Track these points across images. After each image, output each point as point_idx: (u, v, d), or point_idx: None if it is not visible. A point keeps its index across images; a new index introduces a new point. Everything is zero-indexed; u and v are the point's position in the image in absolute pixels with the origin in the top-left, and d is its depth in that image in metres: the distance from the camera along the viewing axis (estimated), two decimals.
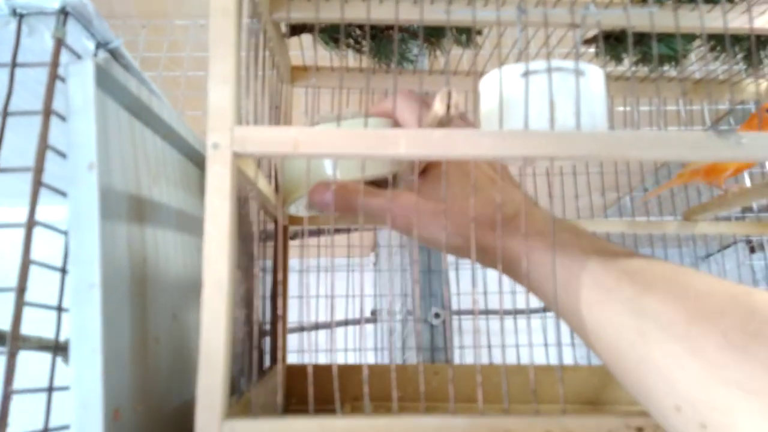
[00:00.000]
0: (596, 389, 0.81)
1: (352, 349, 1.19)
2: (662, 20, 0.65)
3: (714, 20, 0.66)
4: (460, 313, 1.05)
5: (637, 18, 0.65)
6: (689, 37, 0.74)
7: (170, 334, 0.52)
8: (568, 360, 0.97)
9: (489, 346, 0.83)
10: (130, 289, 0.43)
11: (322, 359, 1.26)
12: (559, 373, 0.56)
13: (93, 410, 0.36)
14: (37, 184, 0.38)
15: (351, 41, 0.78)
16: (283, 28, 0.74)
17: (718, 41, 0.75)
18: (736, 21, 0.65)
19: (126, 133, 0.46)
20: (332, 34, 0.74)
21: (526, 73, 0.45)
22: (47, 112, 0.39)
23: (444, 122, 0.44)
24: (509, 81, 0.46)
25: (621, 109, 0.87)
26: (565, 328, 0.46)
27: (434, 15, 0.65)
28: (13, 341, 0.35)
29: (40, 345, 0.39)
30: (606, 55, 0.78)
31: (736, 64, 0.83)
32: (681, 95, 0.86)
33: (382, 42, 0.78)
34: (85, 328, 0.37)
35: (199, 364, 0.40)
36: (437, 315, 0.93)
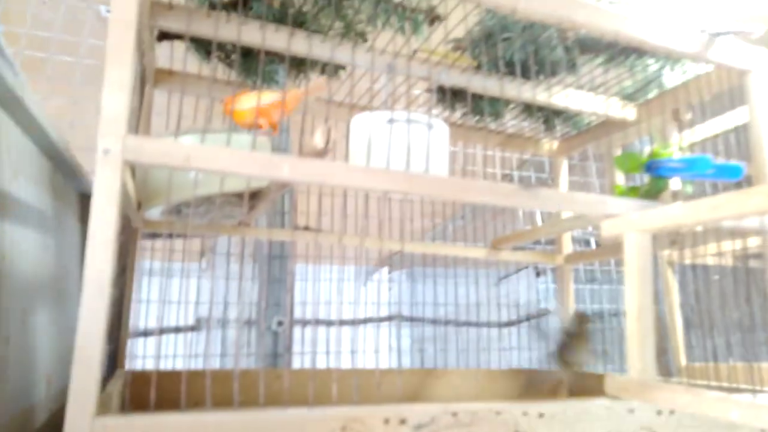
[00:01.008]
0: (416, 388, 0.93)
1: (180, 355, 1.16)
2: (491, 86, 0.81)
3: (526, 92, 0.83)
4: (304, 322, 1.11)
5: (474, 81, 0.79)
6: (508, 102, 0.92)
7: (20, 334, 0.50)
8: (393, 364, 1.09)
9: (327, 353, 0.91)
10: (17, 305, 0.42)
11: (149, 365, 1.21)
12: (397, 374, 0.66)
13: None
14: None
15: (222, 55, 0.81)
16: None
17: (528, 107, 0.94)
18: (541, 95, 0.84)
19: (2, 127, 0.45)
20: (206, 47, 0.77)
21: (391, 121, 0.54)
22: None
23: (321, 153, 0.52)
24: (376, 125, 0.55)
25: (452, 149, 1.03)
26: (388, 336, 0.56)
27: (299, 46, 0.71)
28: None
29: None
30: (444, 104, 0.92)
31: (537, 124, 1.04)
32: (498, 144, 1.05)
33: (251, 61, 0.82)
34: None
35: (73, 363, 0.41)
36: (280, 323, 0.98)
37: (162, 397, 0.55)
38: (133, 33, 0.46)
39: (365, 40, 0.77)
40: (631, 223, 0.55)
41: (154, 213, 0.76)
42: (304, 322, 1.14)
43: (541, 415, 0.55)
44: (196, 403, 0.81)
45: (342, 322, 1.07)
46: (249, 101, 0.64)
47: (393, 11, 0.68)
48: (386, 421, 0.48)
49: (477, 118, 0.99)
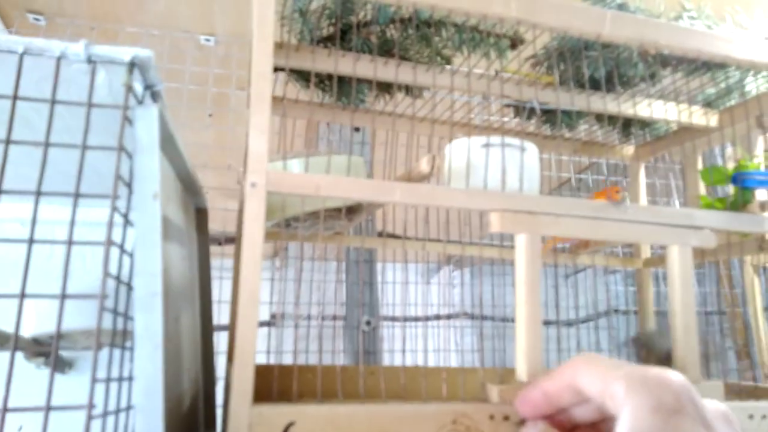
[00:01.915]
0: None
1: (261, 351, 1.26)
2: (577, 101, 0.85)
3: (610, 105, 0.87)
4: (392, 319, 1.19)
5: (562, 97, 0.84)
6: (581, 113, 0.95)
7: (174, 336, 0.60)
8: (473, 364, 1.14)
9: (413, 351, 0.98)
10: (169, 305, 0.52)
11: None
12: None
13: (155, 397, 0.45)
14: (113, 209, 0.46)
15: (318, 82, 0.90)
16: None
17: (599, 117, 0.97)
18: (624, 106, 0.87)
19: (163, 164, 0.55)
20: (305, 77, 0.85)
21: (487, 145, 0.60)
22: (120, 148, 0.47)
23: (426, 177, 0.58)
24: (473, 149, 0.61)
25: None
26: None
27: (386, 74, 0.78)
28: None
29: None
30: (520, 116, 0.97)
31: (612, 131, 1.06)
32: (573, 152, 1.08)
33: (344, 86, 0.90)
34: (150, 329, 0.46)
35: (234, 359, 0.49)
36: (368, 322, 1.06)
37: (261, 388, 0.64)
38: (270, 84, 0.54)
39: (450, 64, 0.83)
40: (519, 223, 0.58)
41: (267, 225, 0.86)
42: (393, 319, 1.22)
43: None
44: (300, 394, 0.90)
45: (406, 319, 1.14)
46: None
47: (480, 40, 0.74)
48: (491, 417, 0.55)
49: (551, 126, 1.02)
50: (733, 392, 0.81)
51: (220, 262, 1.20)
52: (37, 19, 1.13)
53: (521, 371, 0.57)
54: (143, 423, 0.45)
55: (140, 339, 0.46)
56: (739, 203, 0.68)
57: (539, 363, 0.58)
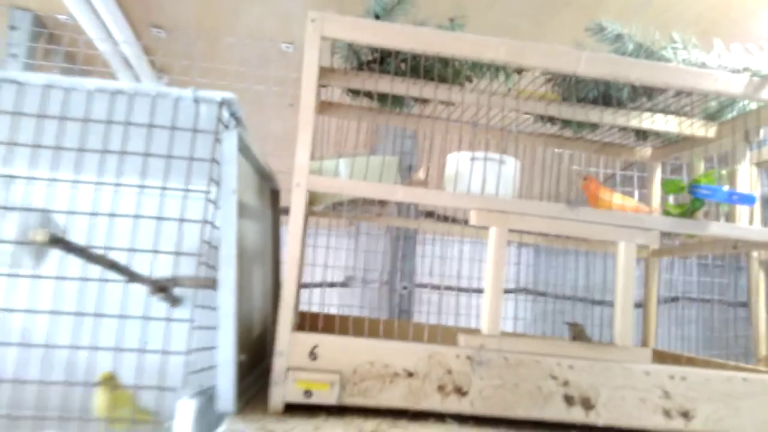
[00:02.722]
0: None
1: (336, 305, 1.55)
2: (578, 113, 1.00)
3: (607, 118, 1.01)
4: (423, 286, 1.42)
5: (562, 111, 1.00)
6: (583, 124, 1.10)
7: (248, 285, 0.87)
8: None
9: (460, 315, 1.20)
10: (239, 261, 0.77)
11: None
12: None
13: (230, 321, 0.71)
14: (207, 199, 0.72)
15: (363, 94, 1.11)
16: None
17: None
18: (622, 119, 1.01)
19: (241, 164, 0.80)
20: (354, 90, 1.07)
21: (472, 159, 0.80)
22: (212, 159, 0.73)
23: (423, 183, 0.79)
24: (462, 161, 0.81)
25: (558, 150, 1.23)
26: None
27: (425, 92, 0.98)
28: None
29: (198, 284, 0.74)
30: (542, 122, 1.13)
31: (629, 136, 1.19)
32: (594, 152, 1.23)
33: (385, 97, 1.11)
34: (227, 277, 0.72)
35: (281, 303, 0.74)
36: (405, 287, 1.29)
37: (310, 327, 0.89)
38: (314, 111, 0.77)
39: (471, 81, 1.01)
40: (490, 219, 0.75)
41: (319, 207, 1.11)
42: (432, 286, 1.45)
43: (570, 367, 0.78)
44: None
45: (460, 290, 1.36)
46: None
47: (488, 67, 0.92)
48: (457, 356, 0.76)
49: (573, 130, 1.17)
50: (659, 358, 0.96)
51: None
52: (158, 32, 1.43)
53: (484, 327, 0.78)
54: (223, 337, 0.71)
55: (222, 282, 0.72)
56: (690, 210, 0.82)
57: (497, 323, 0.78)
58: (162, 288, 0.93)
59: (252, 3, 1.30)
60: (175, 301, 1.00)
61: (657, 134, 1.16)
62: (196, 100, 0.74)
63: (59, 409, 0.90)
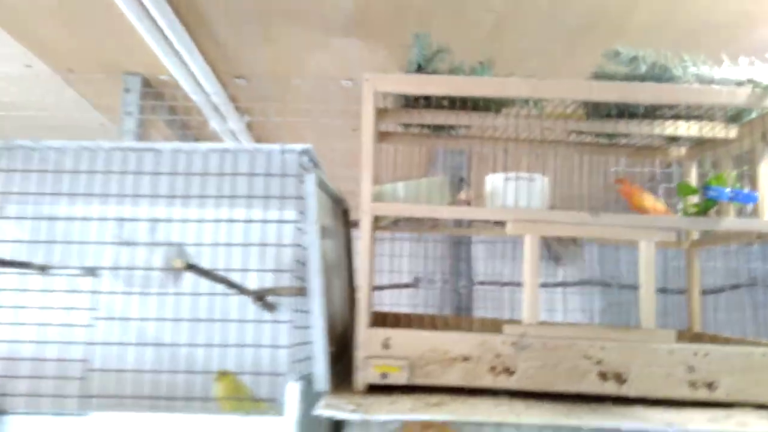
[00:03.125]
0: None
1: (405, 305, 1.73)
2: (606, 127, 1.14)
3: (633, 128, 1.13)
4: (480, 284, 1.58)
5: (590, 126, 1.14)
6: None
7: (329, 292, 1.07)
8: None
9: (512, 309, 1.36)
10: (324, 273, 0.98)
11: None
12: None
13: (321, 321, 0.92)
14: (296, 228, 0.93)
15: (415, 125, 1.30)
16: None
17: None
18: (646, 129, 1.13)
19: (319, 196, 1.01)
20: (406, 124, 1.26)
21: (506, 179, 0.96)
22: (299, 197, 0.94)
23: (467, 202, 0.97)
24: (498, 180, 0.98)
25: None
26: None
27: (464, 120, 1.15)
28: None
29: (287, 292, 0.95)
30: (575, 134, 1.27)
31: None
32: (629, 156, 1.34)
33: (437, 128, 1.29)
34: (316, 287, 0.93)
35: (358, 304, 0.94)
36: (464, 286, 1.47)
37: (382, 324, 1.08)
38: (373, 150, 0.96)
39: (504, 108, 1.17)
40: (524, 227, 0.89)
41: (384, 223, 1.30)
42: (488, 283, 1.62)
43: (602, 348, 0.92)
44: None
45: (506, 285, 1.52)
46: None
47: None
48: (503, 343, 0.93)
49: (606, 139, 1.30)
50: (684, 338, 1.07)
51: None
52: (240, 81, 1.69)
53: (525, 318, 0.95)
54: (316, 333, 0.92)
55: (312, 291, 0.93)
56: (704, 209, 0.94)
57: (537, 314, 0.94)
58: (260, 297, 1.16)
59: (316, 50, 1.53)
60: (270, 308, 1.23)
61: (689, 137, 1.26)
62: (283, 152, 0.95)
63: (184, 394, 1.14)
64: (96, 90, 1.78)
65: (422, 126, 1.31)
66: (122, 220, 0.95)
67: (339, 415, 0.81)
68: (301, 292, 0.96)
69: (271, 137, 2.03)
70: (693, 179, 1.34)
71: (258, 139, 2.05)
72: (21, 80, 1.69)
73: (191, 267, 0.94)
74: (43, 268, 0.88)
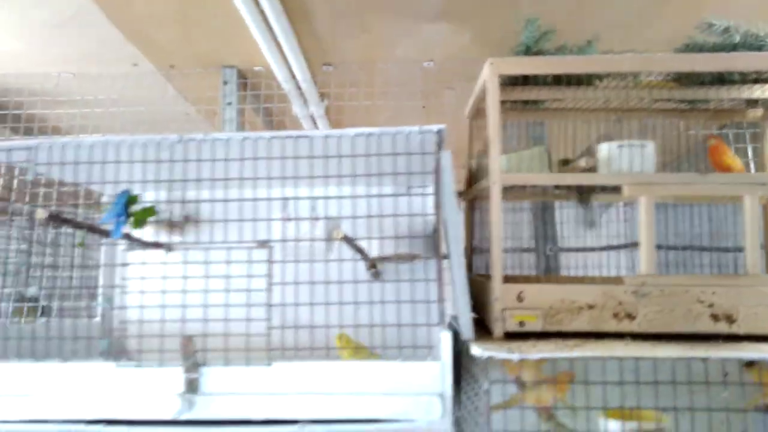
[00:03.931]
0: None
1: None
2: (694, 94, 1.23)
3: (723, 94, 1.23)
4: (564, 250, 1.71)
5: (677, 94, 1.24)
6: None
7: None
8: None
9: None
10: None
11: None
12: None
13: (462, 276, 1.06)
14: (435, 197, 1.06)
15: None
16: None
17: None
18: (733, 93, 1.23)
19: None
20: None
21: (620, 146, 1.08)
22: (436, 171, 1.06)
23: (584, 169, 1.09)
24: (614, 148, 1.09)
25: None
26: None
27: (563, 95, 1.26)
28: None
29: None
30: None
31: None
32: (708, 119, 1.44)
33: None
34: (457, 250, 1.06)
35: (492, 264, 1.07)
36: (551, 249, 1.58)
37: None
38: (499, 127, 1.08)
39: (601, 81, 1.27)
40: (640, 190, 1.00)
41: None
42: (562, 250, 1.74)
43: (713, 293, 1.04)
44: None
45: (578, 250, 1.65)
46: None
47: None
48: (625, 292, 1.05)
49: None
50: None
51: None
52: (327, 68, 1.81)
53: (642, 269, 1.07)
54: (460, 290, 1.05)
55: (452, 254, 1.06)
56: None
57: (653, 265, 1.06)
58: (373, 265, 1.29)
59: (405, 37, 1.64)
60: (377, 275, 1.35)
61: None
62: (421, 132, 1.08)
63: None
64: (191, 84, 1.91)
65: (513, 102, 1.42)
66: (286, 199, 1.09)
67: (498, 355, 0.95)
68: (416, 257, 1.09)
69: (345, 120, 2.16)
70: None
71: (335, 123, 2.17)
72: (126, 79, 1.83)
73: (345, 238, 1.08)
74: (224, 243, 1.03)
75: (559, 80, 1.23)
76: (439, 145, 1.11)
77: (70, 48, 1.70)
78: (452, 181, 1.08)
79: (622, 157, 1.07)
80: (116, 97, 1.80)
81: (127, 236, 1.18)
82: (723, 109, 1.43)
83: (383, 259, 1.30)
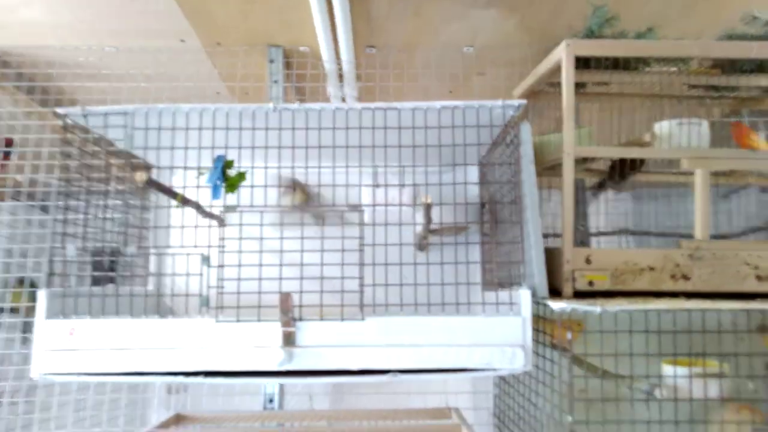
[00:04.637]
0: None
1: None
2: (732, 81, 1.36)
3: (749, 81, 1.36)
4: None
5: (720, 80, 1.36)
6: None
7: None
8: None
9: None
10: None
11: None
12: None
13: (539, 241, 1.15)
14: (514, 170, 1.15)
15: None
16: None
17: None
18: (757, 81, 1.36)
19: None
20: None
21: (680, 123, 1.19)
22: (514, 142, 1.15)
23: (647, 144, 1.20)
24: (674, 125, 1.21)
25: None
26: None
27: (617, 79, 1.36)
28: None
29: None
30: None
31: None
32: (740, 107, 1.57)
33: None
34: (534, 219, 1.15)
35: (564, 230, 1.17)
36: (582, 225, 1.72)
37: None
38: (573, 105, 1.18)
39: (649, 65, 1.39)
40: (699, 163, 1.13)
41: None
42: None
43: (759, 256, 1.17)
44: None
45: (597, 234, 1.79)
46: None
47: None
48: (682, 255, 1.17)
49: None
50: None
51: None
52: (370, 50, 1.87)
53: (698, 235, 1.18)
54: (536, 252, 1.15)
55: (529, 220, 1.15)
56: None
57: (707, 232, 1.18)
58: (426, 237, 1.37)
59: (454, 21, 1.72)
60: (423, 246, 1.44)
61: None
62: (503, 107, 1.16)
63: None
64: (231, 62, 1.95)
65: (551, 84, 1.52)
66: (375, 167, 1.16)
67: (580, 308, 1.05)
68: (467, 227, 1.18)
69: (375, 99, 2.22)
70: None
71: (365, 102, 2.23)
72: (169, 54, 1.86)
73: (429, 205, 1.16)
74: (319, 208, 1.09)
75: (616, 64, 1.33)
76: (521, 119, 1.19)
77: (121, 22, 1.72)
78: (531, 152, 1.17)
79: (681, 133, 1.19)
80: (149, 72, 1.82)
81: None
82: (747, 98, 1.57)
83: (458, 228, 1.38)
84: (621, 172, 1.45)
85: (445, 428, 1.42)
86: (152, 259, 1.48)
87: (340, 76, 2.01)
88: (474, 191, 1.46)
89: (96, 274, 1.21)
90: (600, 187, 1.70)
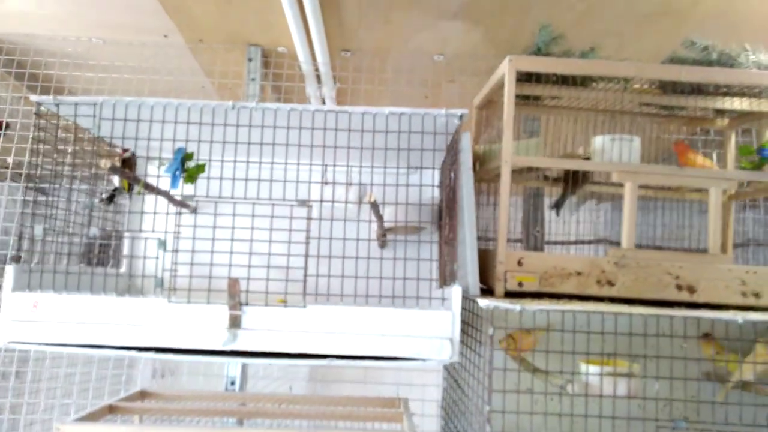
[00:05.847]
0: None
1: None
2: (677, 101, 1.44)
3: (700, 103, 1.44)
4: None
5: (662, 101, 1.44)
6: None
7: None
8: None
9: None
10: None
11: None
12: None
13: (472, 239, 1.24)
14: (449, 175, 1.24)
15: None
16: None
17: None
18: (708, 103, 1.44)
19: None
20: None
21: (612, 139, 1.27)
22: (459, 150, 1.24)
23: (580, 158, 1.28)
24: (607, 140, 1.29)
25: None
26: None
27: (560, 93, 1.45)
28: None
29: None
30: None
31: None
32: (682, 125, 1.65)
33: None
34: (469, 218, 1.24)
35: (499, 234, 1.25)
36: (538, 231, 1.80)
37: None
38: (513, 116, 1.26)
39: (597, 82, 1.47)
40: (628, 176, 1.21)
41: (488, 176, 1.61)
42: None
43: (680, 267, 1.25)
44: None
45: (550, 242, 1.89)
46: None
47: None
48: (608, 262, 1.25)
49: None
50: None
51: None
52: (345, 54, 1.95)
53: (624, 244, 1.27)
54: (470, 251, 1.23)
55: (464, 222, 1.24)
56: (758, 165, 1.26)
57: (633, 241, 1.26)
58: (384, 234, 1.46)
59: (423, 30, 1.81)
60: (384, 244, 1.53)
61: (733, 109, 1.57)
62: (447, 116, 1.25)
63: None
64: (213, 59, 2.04)
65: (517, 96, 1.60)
66: (327, 166, 1.25)
67: (503, 306, 1.13)
68: (421, 228, 1.26)
69: (350, 102, 2.31)
70: (732, 144, 1.66)
71: (341, 104, 2.32)
72: (155, 49, 1.94)
73: (373, 204, 1.24)
74: (269, 200, 1.18)
75: (564, 80, 1.42)
76: (461, 128, 1.28)
77: (107, 15, 1.81)
78: (469, 159, 1.26)
79: (613, 148, 1.27)
80: (134, 65, 1.91)
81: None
82: (696, 117, 1.65)
83: (393, 229, 1.47)
84: (574, 182, 1.53)
85: (387, 415, 1.50)
86: (126, 243, 1.58)
87: (318, 78, 2.10)
88: (431, 193, 1.55)
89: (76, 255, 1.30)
90: (562, 197, 1.78)
